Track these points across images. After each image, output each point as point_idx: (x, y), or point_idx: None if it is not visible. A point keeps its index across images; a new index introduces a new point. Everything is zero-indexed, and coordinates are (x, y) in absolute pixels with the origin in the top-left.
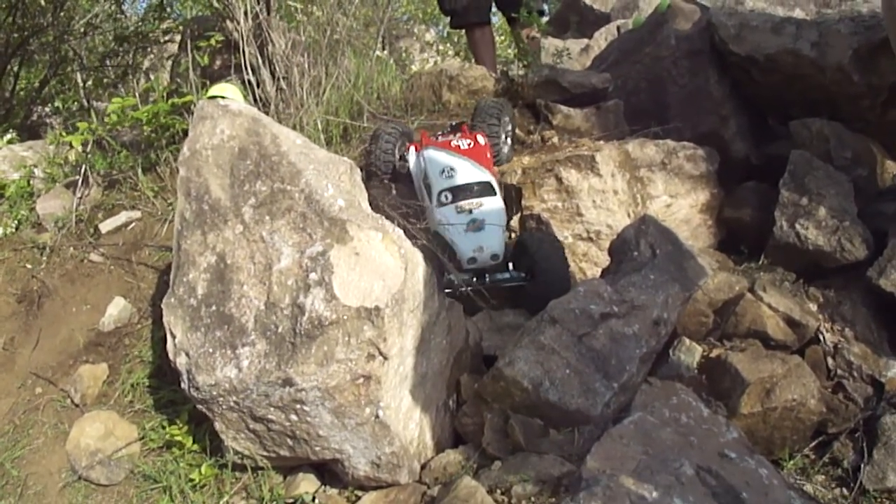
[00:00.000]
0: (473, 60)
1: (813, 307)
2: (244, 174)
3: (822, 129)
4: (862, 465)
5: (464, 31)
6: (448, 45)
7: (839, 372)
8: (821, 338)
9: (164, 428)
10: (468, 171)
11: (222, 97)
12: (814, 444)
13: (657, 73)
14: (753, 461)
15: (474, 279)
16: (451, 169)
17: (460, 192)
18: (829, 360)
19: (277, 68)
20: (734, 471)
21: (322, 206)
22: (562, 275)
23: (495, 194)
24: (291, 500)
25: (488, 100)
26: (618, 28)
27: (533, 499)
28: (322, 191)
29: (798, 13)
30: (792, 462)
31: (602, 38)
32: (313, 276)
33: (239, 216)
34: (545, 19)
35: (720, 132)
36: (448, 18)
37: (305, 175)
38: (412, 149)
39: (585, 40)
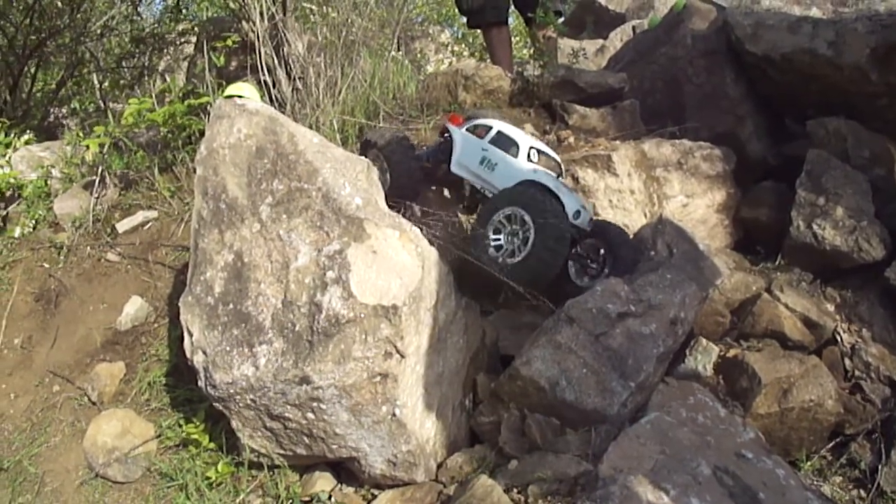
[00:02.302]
0: (489, 60)
1: (830, 308)
2: (261, 173)
3: (839, 128)
4: (879, 467)
5: (480, 31)
6: (463, 45)
7: (857, 373)
8: (838, 338)
9: (180, 426)
10: (545, 146)
11: (239, 96)
12: (831, 445)
13: (673, 72)
14: (770, 461)
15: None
16: (534, 136)
17: (545, 156)
18: (847, 361)
19: (293, 69)
20: (751, 471)
21: (339, 204)
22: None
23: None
24: (308, 499)
25: (486, 110)
26: (633, 28)
27: (549, 498)
28: (339, 189)
29: (815, 12)
30: (809, 463)
31: (617, 39)
32: (330, 274)
33: (256, 214)
34: (561, 20)
35: (737, 132)
36: (465, 18)
37: (322, 173)
38: (450, 125)
39: (601, 41)
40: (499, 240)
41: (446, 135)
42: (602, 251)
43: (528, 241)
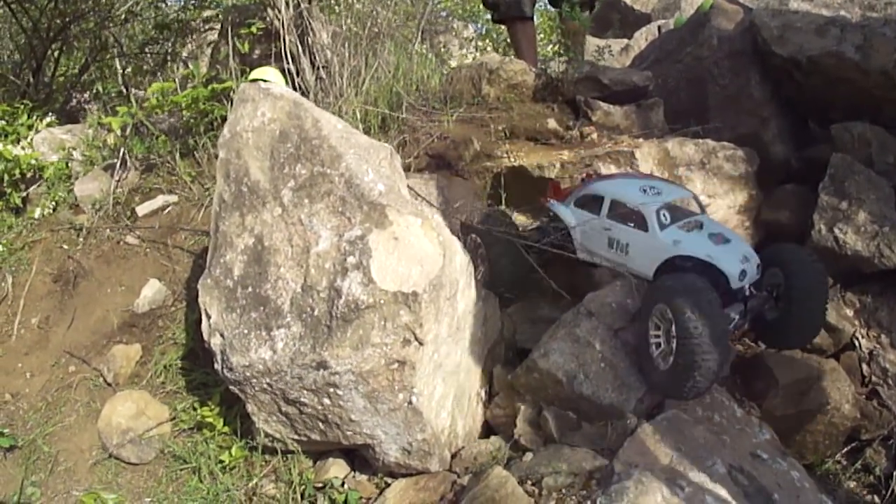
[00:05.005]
0: (513, 55)
1: (849, 312)
2: (284, 157)
3: (863, 133)
4: (894, 473)
5: (504, 26)
6: (487, 41)
7: (874, 378)
8: (856, 343)
9: (195, 409)
10: (669, 187)
11: (264, 80)
12: (846, 449)
13: (698, 72)
14: (786, 463)
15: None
16: (652, 187)
17: (676, 209)
18: (864, 367)
19: (317, 57)
20: (766, 472)
21: (362, 190)
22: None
23: (704, 210)
24: (321, 485)
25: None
26: (659, 28)
27: (564, 491)
28: (362, 175)
29: (843, 15)
30: (824, 466)
31: (643, 38)
32: (351, 259)
33: (278, 199)
34: (586, 14)
35: (760, 134)
36: (490, 13)
37: (346, 159)
38: (552, 202)
39: (626, 40)
40: (658, 339)
41: (551, 214)
42: (779, 285)
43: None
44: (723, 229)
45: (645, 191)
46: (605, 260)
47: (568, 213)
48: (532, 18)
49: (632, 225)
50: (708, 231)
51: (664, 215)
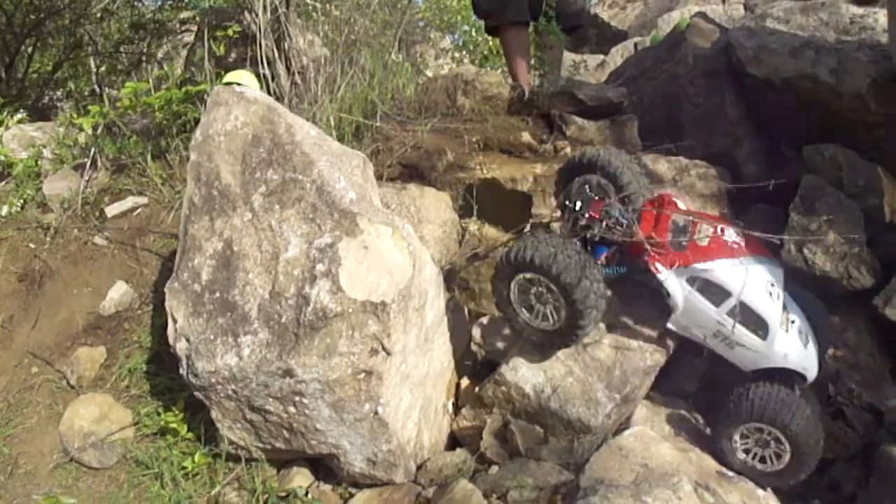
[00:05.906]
0: (506, 66)
1: None
2: (256, 161)
3: (835, 155)
4: (859, 492)
5: (498, 35)
6: (464, 52)
7: (840, 398)
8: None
9: (159, 414)
10: (777, 271)
11: (238, 84)
12: None
13: (673, 90)
14: (751, 481)
15: None
16: (773, 284)
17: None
18: (831, 386)
19: (293, 63)
20: (732, 490)
21: (333, 197)
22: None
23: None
24: (284, 494)
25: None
26: (635, 45)
27: None
28: (334, 182)
29: (818, 38)
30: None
31: (618, 55)
32: (320, 267)
33: (248, 203)
34: (566, 31)
35: (733, 153)
36: (483, 22)
37: (318, 166)
38: (659, 265)
39: (602, 56)
40: (746, 444)
41: (658, 275)
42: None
43: (783, 455)
44: (800, 314)
45: (770, 294)
46: (702, 341)
47: (674, 283)
48: (527, 24)
49: (752, 329)
50: (797, 327)
51: (790, 326)
